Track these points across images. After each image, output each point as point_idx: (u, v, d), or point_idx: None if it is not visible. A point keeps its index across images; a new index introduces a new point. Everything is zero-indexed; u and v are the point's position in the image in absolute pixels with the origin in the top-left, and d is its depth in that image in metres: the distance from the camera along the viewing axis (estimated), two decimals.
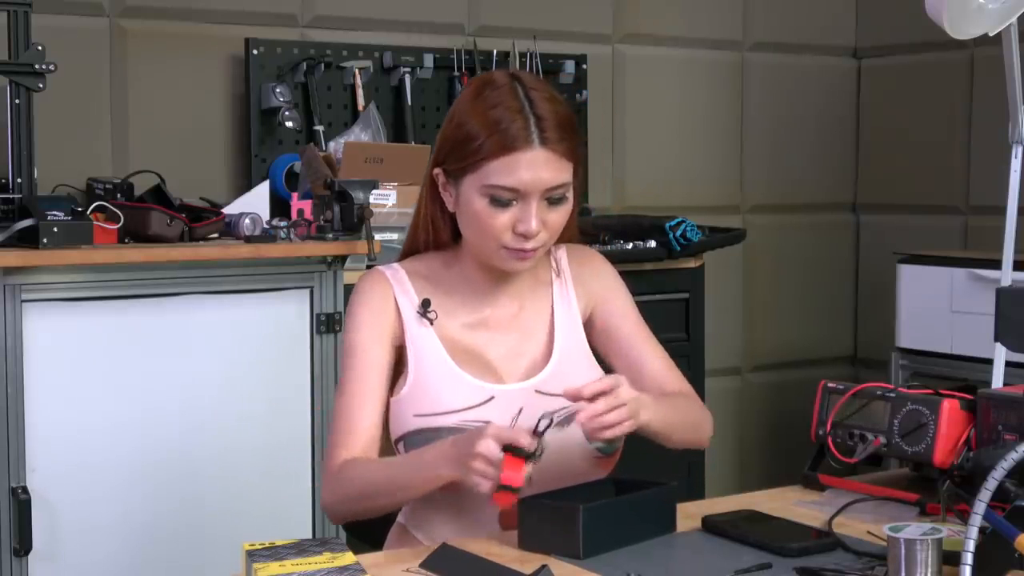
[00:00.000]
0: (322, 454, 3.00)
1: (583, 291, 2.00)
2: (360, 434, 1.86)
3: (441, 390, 1.86)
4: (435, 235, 1.94)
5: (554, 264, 2.00)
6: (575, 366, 1.92)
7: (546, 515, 1.67)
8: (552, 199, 1.83)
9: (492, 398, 1.85)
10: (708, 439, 2.00)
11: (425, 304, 1.90)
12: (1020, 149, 2.65)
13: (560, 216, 1.85)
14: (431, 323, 1.90)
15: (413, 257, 1.98)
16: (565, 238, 1.97)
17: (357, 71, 3.60)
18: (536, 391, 1.88)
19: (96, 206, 2.91)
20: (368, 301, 1.92)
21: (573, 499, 1.70)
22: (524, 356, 1.92)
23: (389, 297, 1.91)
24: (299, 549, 1.55)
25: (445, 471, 1.72)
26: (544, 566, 1.54)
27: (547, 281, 1.99)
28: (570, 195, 1.86)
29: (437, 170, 1.88)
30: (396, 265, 1.96)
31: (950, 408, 1.84)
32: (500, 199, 1.80)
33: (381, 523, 1.96)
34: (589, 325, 1.99)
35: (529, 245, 1.82)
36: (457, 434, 1.76)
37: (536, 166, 1.79)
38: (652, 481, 1.83)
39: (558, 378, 1.88)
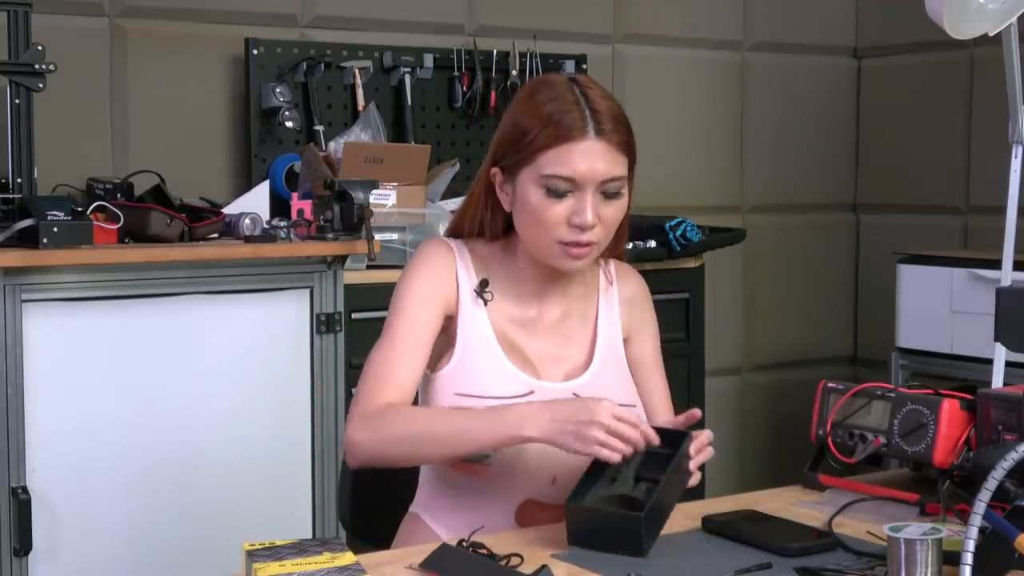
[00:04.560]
0: (321, 454, 3.01)
1: (627, 314, 2.01)
2: (399, 384, 1.84)
3: (486, 374, 1.86)
4: (480, 234, 1.95)
5: (603, 276, 2.01)
6: (613, 378, 1.93)
7: (601, 521, 1.67)
8: (608, 192, 1.83)
9: (532, 392, 1.86)
10: None
11: (483, 284, 1.91)
12: (1020, 149, 2.64)
13: (615, 212, 1.85)
14: (485, 304, 1.90)
15: (473, 238, 1.96)
16: (616, 251, 1.99)
17: (357, 71, 3.60)
18: (573, 394, 1.88)
19: (96, 206, 2.91)
20: (430, 264, 1.91)
21: (608, 487, 1.71)
22: (564, 361, 1.93)
23: (452, 267, 1.91)
24: (299, 549, 1.55)
25: (533, 433, 1.72)
26: (544, 566, 1.54)
27: (595, 290, 2.00)
28: (625, 192, 1.87)
29: (494, 169, 1.89)
30: (459, 241, 1.96)
31: (950, 408, 1.84)
32: (556, 190, 1.81)
33: (392, 514, 1.96)
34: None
35: (584, 238, 1.82)
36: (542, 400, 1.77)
37: (591, 156, 1.80)
38: (665, 432, 1.80)
39: (596, 386, 1.89)
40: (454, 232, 1.99)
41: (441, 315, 1.90)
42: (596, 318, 1.97)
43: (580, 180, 1.80)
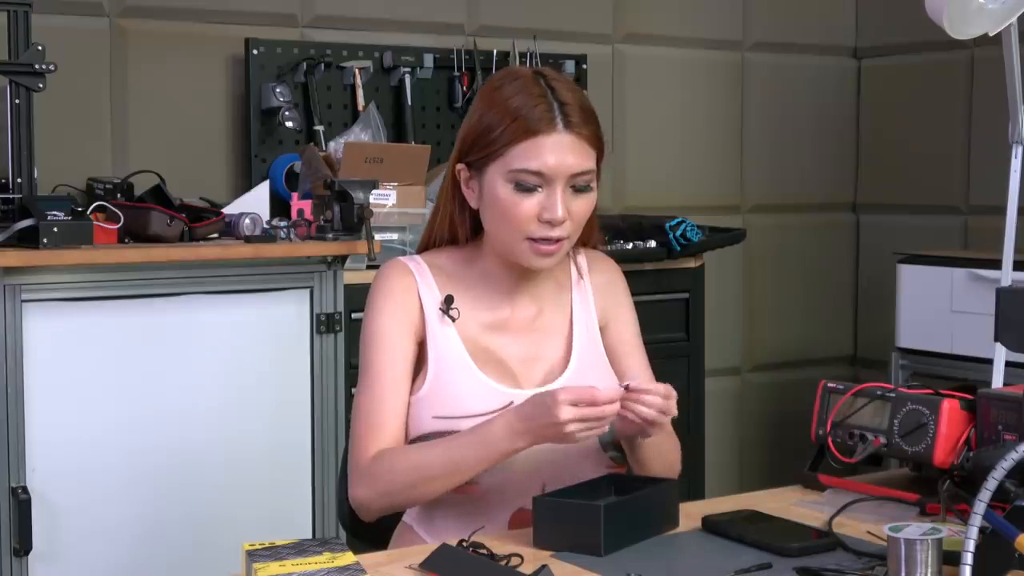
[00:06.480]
0: (321, 454, 3.01)
1: (601, 302, 1.99)
2: (388, 428, 1.83)
3: (461, 393, 1.84)
4: (451, 233, 1.93)
5: (574, 269, 1.98)
6: (592, 373, 1.90)
7: (564, 513, 1.67)
8: (577, 187, 1.81)
9: (511, 403, 1.83)
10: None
11: (448, 301, 1.88)
12: (1020, 149, 2.65)
13: (585, 206, 1.83)
14: (453, 321, 1.88)
15: (434, 251, 1.95)
16: (589, 242, 1.97)
17: (357, 71, 3.60)
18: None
19: (96, 206, 2.91)
20: (391, 291, 1.89)
21: (584, 496, 1.71)
22: (542, 361, 1.91)
23: (412, 289, 1.89)
24: (299, 549, 1.56)
25: (520, 444, 1.73)
26: (544, 566, 1.54)
27: (567, 285, 1.97)
28: (595, 185, 1.84)
29: (460, 165, 1.86)
30: (418, 257, 1.94)
31: (950, 408, 1.84)
32: (525, 184, 1.79)
33: (385, 522, 1.96)
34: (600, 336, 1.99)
35: (555, 233, 1.80)
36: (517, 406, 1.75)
37: (561, 150, 1.78)
38: (648, 478, 1.83)
39: (576, 384, 1.87)
40: (427, 237, 1.97)
41: (414, 341, 1.88)
42: (571, 314, 1.95)
43: (550, 174, 1.78)
